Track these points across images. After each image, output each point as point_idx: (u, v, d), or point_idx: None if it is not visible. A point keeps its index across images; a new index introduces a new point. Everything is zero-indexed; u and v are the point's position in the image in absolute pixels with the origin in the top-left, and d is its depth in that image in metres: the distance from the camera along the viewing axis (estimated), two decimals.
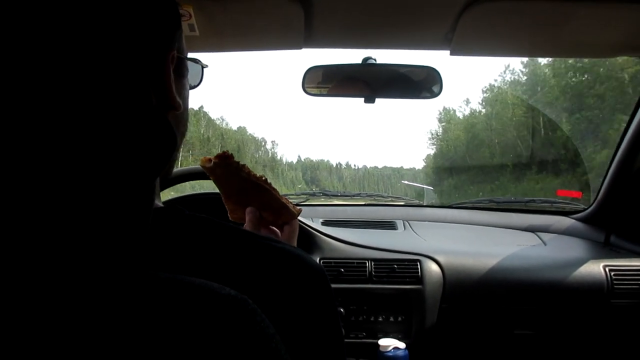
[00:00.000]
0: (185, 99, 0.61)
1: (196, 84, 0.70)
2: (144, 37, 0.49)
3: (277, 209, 0.89)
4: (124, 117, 0.45)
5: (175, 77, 0.55)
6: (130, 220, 0.49)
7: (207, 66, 0.70)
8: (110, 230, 0.46)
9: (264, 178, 0.86)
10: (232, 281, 0.47)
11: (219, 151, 0.79)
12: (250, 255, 0.56)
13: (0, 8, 0.41)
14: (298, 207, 0.92)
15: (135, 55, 0.48)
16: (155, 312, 0.41)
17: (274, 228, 0.93)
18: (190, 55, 0.65)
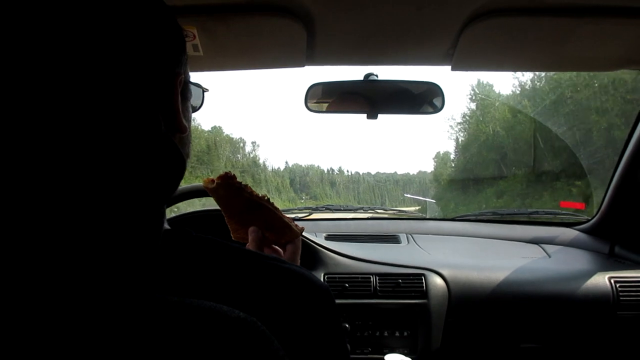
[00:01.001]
0: (189, 121, 0.62)
1: (197, 107, 0.71)
2: (153, 62, 0.50)
3: (279, 228, 0.89)
4: (135, 143, 0.46)
5: (181, 100, 0.57)
6: (140, 244, 0.49)
7: (207, 90, 0.71)
8: (120, 254, 0.47)
9: (266, 198, 0.87)
10: (239, 303, 0.47)
11: None
12: (257, 276, 0.56)
13: (18, 35, 0.42)
14: (300, 226, 0.92)
15: (146, 81, 0.49)
16: (165, 336, 0.41)
17: (277, 247, 0.93)
18: (193, 73, 0.66)
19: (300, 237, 0.93)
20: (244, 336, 0.43)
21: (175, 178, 0.51)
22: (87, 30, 0.45)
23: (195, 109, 0.69)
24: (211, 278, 0.53)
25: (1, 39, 0.42)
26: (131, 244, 0.48)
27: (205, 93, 0.73)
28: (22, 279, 0.41)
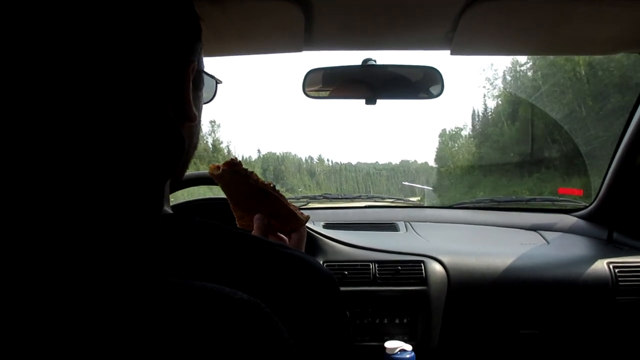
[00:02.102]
0: (200, 110, 0.62)
1: (209, 99, 0.71)
2: (166, 48, 0.50)
3: (285, 216, 0.89)
4: (134, 122, 0.45)
5: (192, 89, 0.56)
6: (139, 224, 0.48)
7: (221, 82, 0.71)
8: (119, 233, 0.46)
9: (272, 185, 0.86)
10: (242, 286, 0.47)
11: None
12: (260, 261, 0.56)
13: (23, 23, 0.41)
14: (306, 214, 0.92)
15: (156, 65, 0.49)
16: (167, 317, 0.40)
17: (282, 235, 0.92)
18: None
19: (305, 227, 0.92)
20: (248, 317, 0.43)
21: (173, 158, 0.50)
22: (97, 11, 0.44)
23: (207, 100, 0.69)
24: (213, 262, 0.53)
25: (8, 19, 0.41)
26: (129, 224, 0.47)
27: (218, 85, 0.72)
28: (19, 259, 0.41)
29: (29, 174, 0.41)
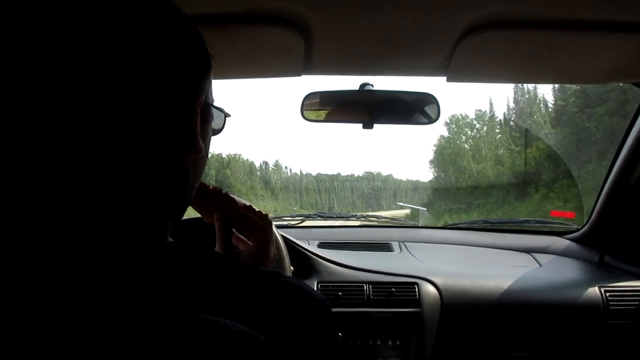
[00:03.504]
0: (207, 143, 0.63)
1: (218, 130, 0.72)
2: (174, 83, 0.52)
3: (238, 220, 0.88)
4: (141, 157, 0.46)
5: (200, 122, 0.58)
6: (143, 257, 0.49)
7: (230, 115, 0.72)
8: (123, 267, 0.47)
9: (218, 189, 0.86)
10: (240, 318, 0.48)
11: None
12: (257, 291, 0.57)
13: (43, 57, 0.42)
14: (263, 215, 0.90)
15: (164, 99, 0.51)
16: (169, 350, 0.41)
17: (242, 237, 0.93)
18: None
19: (270, 229, 0.90)
20: (248, 351, 0.44)
21: (179, 195, 0.51)
22: (109, 47, 0.46)
23: (215, 132, 0.70)
24: (212, 293, 0.54)
25: (24, 52, 0.42)
26: (134, 257, 0.48)
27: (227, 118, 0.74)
28: (24, 289, 0.41)
29: (36, 208, 0.42)
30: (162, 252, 0.52)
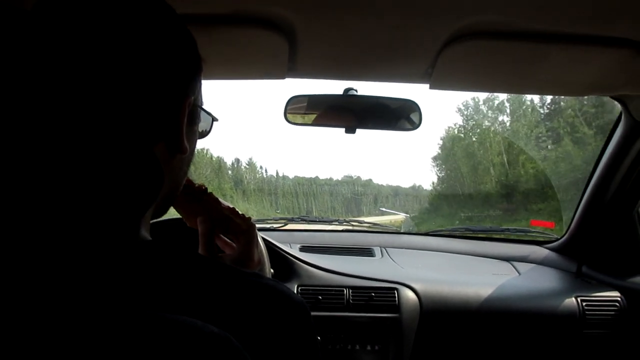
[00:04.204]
0: (192, 143, 0.64)
1: (205, 133, 0.72)
2: (163, 82, 0.52)
3: (221, 221, 0.87)
4: (116, 154, 0.46)
5: (187, 123, 0.58)
6: (112, 255, 0.49)
7: (217, 120, 0.73)
8: (92, 264, 0.46)
9: (203, 188, 0.85)
10: (214, 318, 0.47)
11: None
12: (233, 291, 0.56)
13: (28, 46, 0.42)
14: (247, 217, 0.89)
15: (151, 98, 0.51)
16: (138, 349, 0.41)
17: (227, 240, 0.92)
18: None
19: (254, 231, 0.89)
20: (218, 352, 0.44)
21: (150, 193, 0.51)
22: (98, 45, 0.46)
23: (202, 135, 0.71)
24: (187, 292, 0.53)
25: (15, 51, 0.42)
26: (102, 253, 0.47)
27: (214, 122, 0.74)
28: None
29: (9, 204, 0.42)
30: (133, 249, 0.52)
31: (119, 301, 0.46)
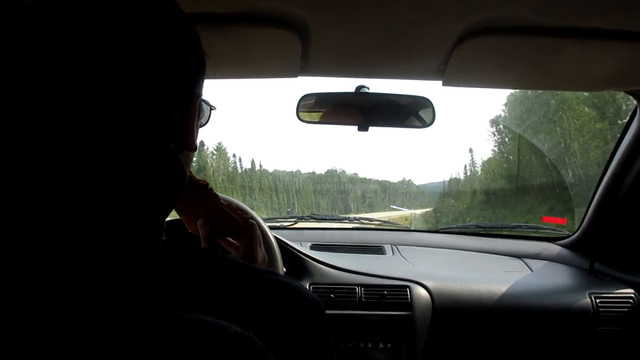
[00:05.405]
0: (196, 138, 0.62)
1: (204, 124, 0.71)
2: (173, 80, 0.51)
3: (221, 219, 0.85)
4: (138, 156, 0.46)
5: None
6: (138, 256, 0.49)
7: (215, 108, 0.72)
8: (117, 266, 0.46)
9: (205, 183, 0.83)
10: (233, 317, 0.47)
11: None
12: (249, 290, 0.56)
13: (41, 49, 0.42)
14: (246, 216, 0.87)
15: (163, 97, 0.50)
16: (162, 350, 0.41)
17: (231, 240, 0.90)
18: None
19: (255, 230, 0.88)
20: (242, 351, 0.44)
21: (175, 193, 0.51)
22: (106, 43, 0.45)
23: (201, 125, 0.70)
24: (206, 292, 0.53)
25: (16, 49, 0.42)
26: (128, 256, 0.47)
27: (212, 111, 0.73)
28: (17, 288, 0.41)
29: (31, 205, 0.41)
30: (156, 250, 0.52)
31: (144, 302, 0.46)
